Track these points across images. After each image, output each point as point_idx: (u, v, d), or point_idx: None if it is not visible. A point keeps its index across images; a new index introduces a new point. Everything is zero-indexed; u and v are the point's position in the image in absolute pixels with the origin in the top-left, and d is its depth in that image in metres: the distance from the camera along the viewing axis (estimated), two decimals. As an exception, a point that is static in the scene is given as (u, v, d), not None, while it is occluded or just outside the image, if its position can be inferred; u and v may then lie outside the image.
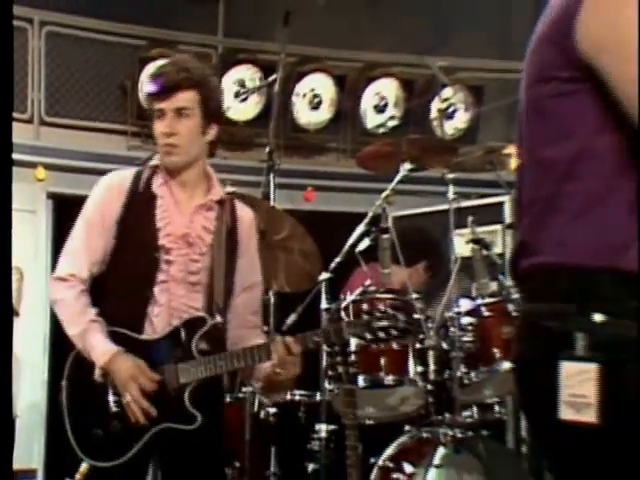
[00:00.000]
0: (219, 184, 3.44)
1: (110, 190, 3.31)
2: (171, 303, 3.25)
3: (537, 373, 2.17)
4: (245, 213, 3.49)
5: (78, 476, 3.26)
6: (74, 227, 3.36)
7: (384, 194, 4.78)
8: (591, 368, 2.04)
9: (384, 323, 3.31)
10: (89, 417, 3.18)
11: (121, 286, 3.29)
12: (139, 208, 3.31)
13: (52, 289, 3.32)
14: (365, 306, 4.48)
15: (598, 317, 2.04)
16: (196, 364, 3.19)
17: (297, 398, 4.94)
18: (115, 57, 7.02)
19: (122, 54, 7.08)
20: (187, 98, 3.26)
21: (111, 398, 3.17)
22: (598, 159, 2.13)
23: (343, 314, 4.42)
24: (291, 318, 4.63)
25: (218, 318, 3.28)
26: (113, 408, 3.17)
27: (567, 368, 2.07)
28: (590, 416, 2.06)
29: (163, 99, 3.26)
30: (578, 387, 2.07)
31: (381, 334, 3.32)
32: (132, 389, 3.13)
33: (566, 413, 2.09)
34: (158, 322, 3.24)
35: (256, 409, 4.82)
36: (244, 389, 4.77)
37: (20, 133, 6.54)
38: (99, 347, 3.18)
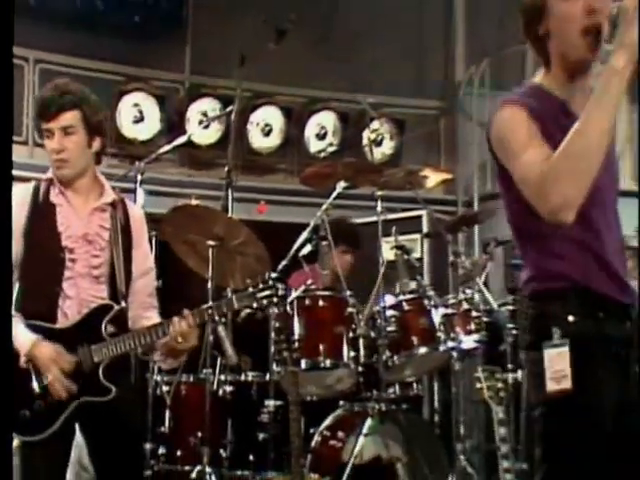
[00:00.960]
0: (110, 188, 3.40)
1: (15, 204, 3.18)
2: (80, 295, 3.22)
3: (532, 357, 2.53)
4: (136, 212, 3.47)
5: None
6: None
7: (323, 207, 4.81)
8: (564, 350, 2.42)
9: (266, 292, 3.31)
10: (16, 400, 3.09)
11: (34, 285, 3.24)
12: (41, 217, 3.26)
13: None
14: (307, 301, 4.53)
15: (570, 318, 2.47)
16: (107, 344, 3.17)
17: (250, 378, 4.93)
18: (96, 90, 6.96)
19: (103, 88, 7.04)
20: (70, 117, 3.22)
21: (35, 383, 3.14)
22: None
23: (288, 308, 4.46)
24: (245, 311, 4.62)
25: (123, 304, 3.26)
26: (37, 390, 3.13)
27: (549, 353, 2.45)
28: (567, 384, 2.41)
29: (50, 120, 3.22)
30: (556, 365, 2.43)
31: (264, 302, 3.33)
32: (53, 370, 3.11)
33: (551, 386, 2.43)
34: (70, 313, 3.21)
35: (215, 387, 4.80)
36: (205, 370, 4.77)
37: (17, 153, 6.48)
38: (21, 337, 3.13)
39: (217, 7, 7.50)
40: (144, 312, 3.37)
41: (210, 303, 3.39)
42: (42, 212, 3.27)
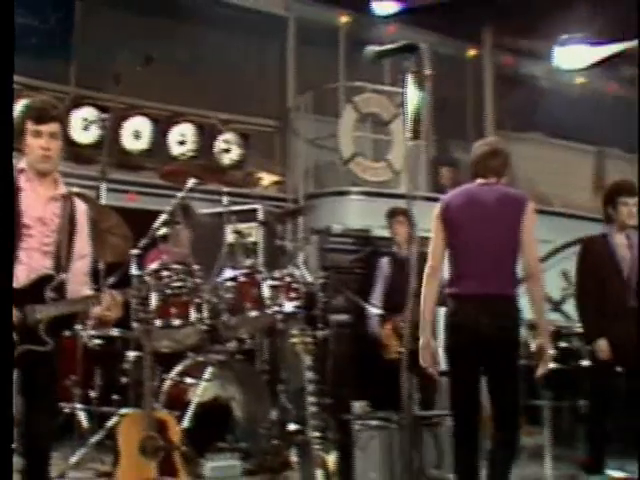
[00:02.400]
0: (62, 184, 3.34)
1: None
2: (31, 264, 3.15)
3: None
4: (80, 206, 3.39)
5: None
6: None
7: (178, 198, 4.69)
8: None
9: (177, 284, 3.53)
10: None
11: None
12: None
13: None
14: (163, 273, 4.41)
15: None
16: (48, 306, 3.12)
17: (115, 333, 4.83)
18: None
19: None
20: (57, 127, 3.22)
21: None
22: None
23: (147, 278, 4.33)
24: (112, 279, 4.47)
25: (63, 276, 3.20)
26: None
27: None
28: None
29: (42, 124, 3.19)
30: None
31: (176, 290, 3.55)
32: None
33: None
34: (21, 275, 3.12)
35: (85, 340, 4.68)
36: (77, 327, 4.61)
37: None
38: None
39: (98, 33, 7.26)
40: (80, 287, 3.32)
41: (131, 286, 3.52)
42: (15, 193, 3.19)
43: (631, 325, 4.30)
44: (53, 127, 3.21)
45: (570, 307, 6.20)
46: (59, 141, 3.24)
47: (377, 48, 2.61)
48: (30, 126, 3.20)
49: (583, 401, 5.43)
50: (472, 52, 9.12)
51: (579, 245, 4.74)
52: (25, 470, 3.15)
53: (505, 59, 9.30)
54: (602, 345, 4.46)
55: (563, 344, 5.64)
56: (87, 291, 3.35)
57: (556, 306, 5.61)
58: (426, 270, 3.69)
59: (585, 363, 5.64)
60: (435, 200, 7.98)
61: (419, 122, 2.47)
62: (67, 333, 4.62)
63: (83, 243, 3.36)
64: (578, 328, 5.73)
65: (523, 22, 8.34)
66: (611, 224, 4.55)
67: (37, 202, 3.22)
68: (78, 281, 3.32)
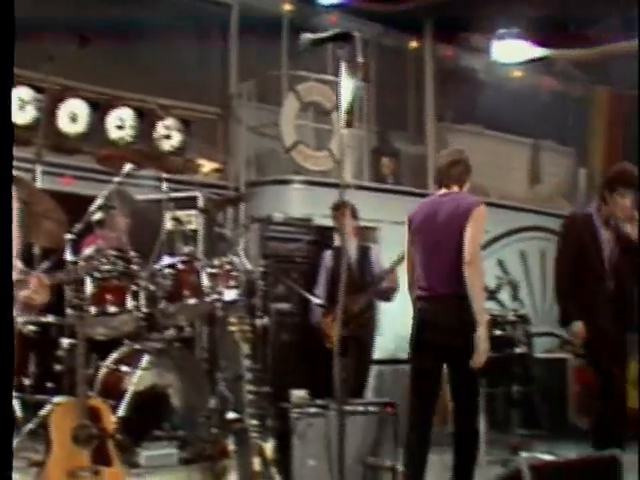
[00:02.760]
0: None
1: None
2: None
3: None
4: None
5: None
6: None
7: (114, 182, 4.58)
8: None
9: (106, 267, 3.28)
10: None
11: None
12: None
13: None
14: (98, 260, 4.30)
15: None
16: None
17: (50, 320, 4.64)
18: None
19: None
20: None
21: None
22: None
23: (81, 263, 4.24)
24: (46, 263, 4.34)
25: None
26: None
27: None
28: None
29: None
30: None
31: (97, 274, 3.18)
32: None
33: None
34: None
35: (20, 326, 4.53)
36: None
37: None
38: None
39: (34, 11, 7.02)
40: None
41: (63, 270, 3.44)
42: None
43: (608, 308, 4.34)
44: None
45: (505, 296, 6.33)
46: None
47: (312, 36, 2.62)
48: None
49: (517, 387, 5.54)
50: (414, 44, 9.17)
51: (562, 225, 4.70)
52: None
53: (445, 52, 9.38)
54: (577, 327, 4.43)
55: (498, 332, 5.74)
56: (14, 275, 3.22)
57: (491, 294, 5.71)
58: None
59: (519, 350, 5.76)
60: (376, 190, 8.01)
61: (352, 111, 2.48)
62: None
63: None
64: (512, 316, 5.85)
65: (463, 16, 8.42)
66: (599, 206, 4.50)
67: None
68: None
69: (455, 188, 4.01)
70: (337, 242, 5.83)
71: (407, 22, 8.72)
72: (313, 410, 4.33)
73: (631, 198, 4.43)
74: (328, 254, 5.78)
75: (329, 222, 6.09)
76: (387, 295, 5.81)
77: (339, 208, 5.64)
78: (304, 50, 2.59)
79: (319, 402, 4.45)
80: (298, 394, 4.53)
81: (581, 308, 4.43)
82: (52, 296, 3.25)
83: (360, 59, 2.51)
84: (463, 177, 4.01)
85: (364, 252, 5.82)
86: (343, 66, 2.50)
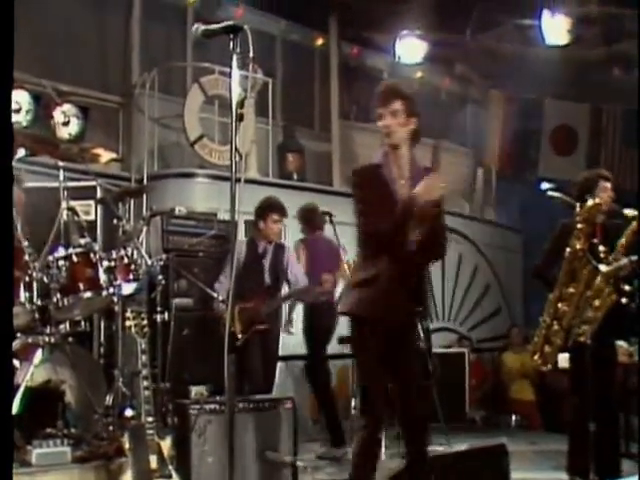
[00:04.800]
0: None
1: None
2: None
3: None
4: None
5: None
6: None
7: None
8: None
9: None
10: None
11: None
12: None
13: None
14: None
15: None
16: None
17: None
18: None
19: None
20: None
21: None
22: None
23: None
24: None
25: None
26: None
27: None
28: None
29: None
30: None
31: None
32: None
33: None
34: None
35: None
36: None
37: None
38: None
39: None
40: None
41: None
42: None
43: None
44: None
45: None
46: None
47: (203, 27, 2.59)
48: None
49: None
50: (320, 41, 9.19)
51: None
52: None
53: (351, 50, 9.45)
54: None
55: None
56: None
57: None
58: None
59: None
60: (282, 186, 7.98)
61: (243, 104, 2.47)
62: None
63: None
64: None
65: (367, 14, 8.52)
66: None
67: None
68: None
69: None
70: (256, 237, 5.73)
71: (312, 18, 8.74)
72: (212, 407, 4.26)
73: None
74: (242, 248, 5.63)
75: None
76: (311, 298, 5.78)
77: (271, 211, 5.57)
78: (196, 40, 2.55)
79: (218, 398, 4.39)
80: (198, 390, 4.45)
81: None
82: None
83: (251, 53, 2.50)
84: None
85: (279, 252, 5.75)
86: (234, 59, 2.48)
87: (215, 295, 5.49)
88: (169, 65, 7.89)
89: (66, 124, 6.78)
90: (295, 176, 8.51)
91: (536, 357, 4.47)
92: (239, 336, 5.11)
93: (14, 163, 4.22)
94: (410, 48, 8.88)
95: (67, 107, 6.72)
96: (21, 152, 4.29)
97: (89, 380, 4.45)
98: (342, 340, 5.74)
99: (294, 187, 8.04)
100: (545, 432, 7.76)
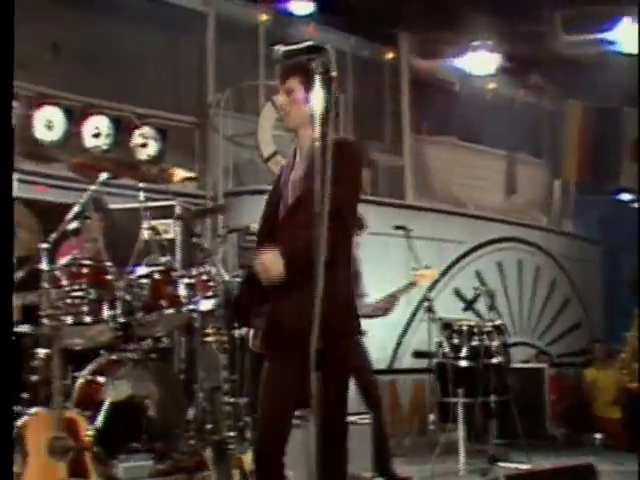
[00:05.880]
0: None
1: None
2: None
3: None
4: None
5: None
6: None
7: (88, 192, 4.52)
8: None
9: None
10: None
11: None
12: None
13: None
14: (73, 268, 4.26)
15: None
16: None
17: (25, 330, 4.47)
18: None
19: None
20: None
21: None
22: None
23: (58, 273, 4.18)
24: (20, 273, 4.27)
25: None
26: None
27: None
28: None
29: None
30: None
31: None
32: None
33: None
34: None
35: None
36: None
37: None
38: None
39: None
40: None
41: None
42: None
43: None
44: None
45: (482, 306, 6.36)
46: None
47: (284, 48, 2.58)
48: None
49: (494, 397, 5.55)
50: (389, 55, 9.22)
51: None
52: None
53: (421, 63, 9.45)
54: None
55: (475, 342, 5.76)
56: None
57: (468, 305, 5.73)
58: None
59: (495, 361, 5.78)
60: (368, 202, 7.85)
61: (327, 124, 2.44)
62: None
63: None
64: (489, 327, 5.87)
65: (438, 26, 8.50)
66: None
67: None
68: None
69: None
70: None
71: (382, 33, 8.78)
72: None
73: None
74: None
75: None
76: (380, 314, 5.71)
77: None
78: (277, 61, 2.56)
79: (297, 413, 4.42)
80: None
81: None
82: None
83: (334, 72, 2.48)
84: None
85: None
86: (316, 79, 2.47)
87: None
88: (242, 84, 8.05)
89: (144, 146, 7.01)
90: (367, 190, 8.54)
91: (624, 373, 4.35)
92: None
93: (97, 187, 4.38)
94: (481, 60, 8.81)
95: (145, 130, 6.94)
96: (103, 175, 4.43)
97: (171, 395, 4.54)
98: (417, 354, 5.71)
99: (366, 201, 8.06)
100: (632, 452, 7.50)
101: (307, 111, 2.87)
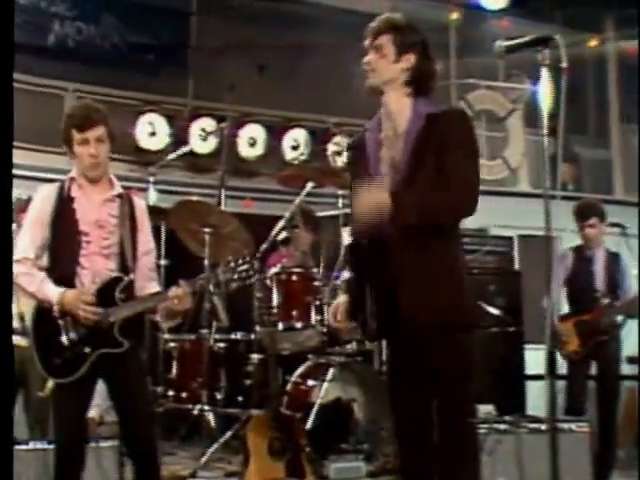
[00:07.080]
0: (118, 184, 3.26)
1: (42, 200, 3.17)
2: (93, 268, 3.10)
3: None
4: (140, 203, 3.33)
5: (46, 390, 3.23)
6: (22, 226, 3.24)
7: (296, 202, 4.75)
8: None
9: (243, 267, 3.17)
10: (50, 351, 3.06)
11: (59, 261, 3.14)
12: (64, 208, 3.15)
13: (13, 268, 3.09)
14: (283, 276, 4.49)
15: None
16: (120, 308, 3.09)
17: (238, 337, 4.86)
18: (120, 112, 6.92)
19: (125, 110, 7.07)
20: (102, 130, 3.12)
21: (64, 337, 3.05)
22: None
23: (268, 281, 4.43)
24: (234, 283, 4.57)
25: (131, 276, 3.15)
26: (65, 343, 3.05)
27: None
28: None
29: (86, 130, 3.10)
30: None
31: (243, 275, 3.18)
32: (81, 305, 3.03)
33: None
34: (85, 281, 3.09)
35: (211, 344, 4.76)
36: (203, 331, 4.74)
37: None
38: (52, 290, 3.06)
39: (212, 47, 7.52)
40: (147, 283, 3.25)
41: (201, 275, 3.32)
42: (64, 204, 3.16)
43: None
44: (98, 131, 3.10)
45: None
46: (106, 144, 3.14)
47: (506, 43, 2.47)
48: (76, 135, 3.11)
49: None
50: (593, 42, 8.79)
51: None
52: (136, 473, 3.15)
53: (628, 48, 8.90)
54: None
55: None
56: (155, 286, 3.27)
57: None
58: None
59: None
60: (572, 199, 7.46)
61: (556, 118, 2.35)
62: (192, 337, 4.81)
63: (146, 239, 3.27)
64: None
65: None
66: None
67: (91, 207, 3.16)
68: (144, 277, 3.23)
69: None
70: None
71: (583, 20, 8.39)
72: (502, 427, 4.24)
73: None
74: (567, 256, 5.40)
75: (505, 232, 5.94)
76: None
77: (588, 217, 5.30)
78: (497, 58, 2.49)
79: (508, 418, 4.35)
80: (484, 409, 4.45)
81: None
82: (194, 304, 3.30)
83: (564, 63, 2.37)
84: None
85: (613, 260, 5.26)
86: (543, 71, 2.39)
87: (496, 312, 5.41)
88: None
89: (339, 154, 7.25)
90: (570, 186, 8.21)
91: None
92: (578, 350, 4.95)
93: (303, 196, 4.59)
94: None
95: (339, 138, 7.18)
96: (310, 185, 4.63)
97: (376, 397, 4.63)
98: (631, 360, 5.33)
99: (570, 198, 7.73)
100: None
101: (397, 70, 2.69)
